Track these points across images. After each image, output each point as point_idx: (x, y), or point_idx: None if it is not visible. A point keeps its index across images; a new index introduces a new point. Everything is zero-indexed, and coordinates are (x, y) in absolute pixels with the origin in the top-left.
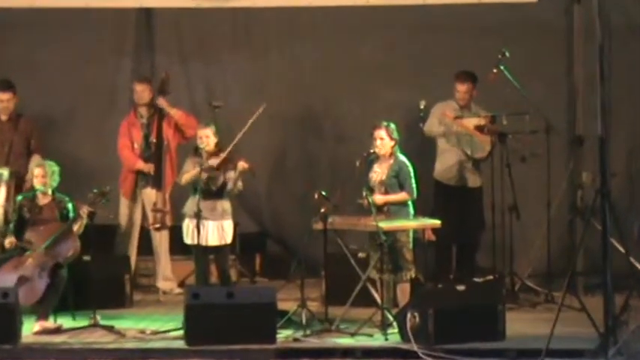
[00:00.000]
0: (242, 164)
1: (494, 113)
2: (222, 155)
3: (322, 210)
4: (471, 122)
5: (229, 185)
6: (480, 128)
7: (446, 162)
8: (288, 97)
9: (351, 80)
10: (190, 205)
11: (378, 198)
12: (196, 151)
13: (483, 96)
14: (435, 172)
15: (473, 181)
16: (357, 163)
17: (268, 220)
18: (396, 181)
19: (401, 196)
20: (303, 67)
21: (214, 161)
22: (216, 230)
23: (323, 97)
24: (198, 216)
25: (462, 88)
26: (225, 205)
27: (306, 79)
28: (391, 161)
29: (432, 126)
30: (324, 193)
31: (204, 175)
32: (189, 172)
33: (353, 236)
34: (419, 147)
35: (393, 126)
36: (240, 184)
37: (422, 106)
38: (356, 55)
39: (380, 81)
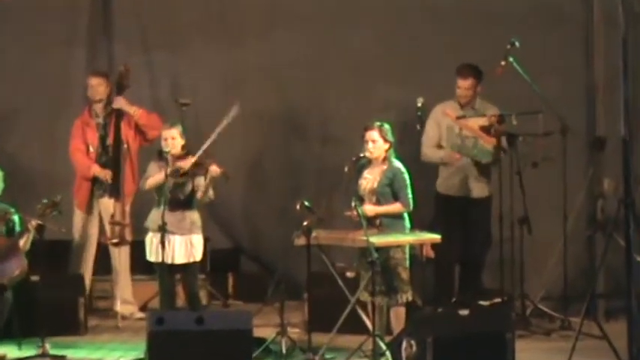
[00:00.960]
0: (214, 169)
1: (503, 112)
2: (192, 159)
3: (305, 223)
4: (476, 122)
5: (199, 193)
6: (485, 129)
7: (447, 169)
8: (268, 94)
9: (340, 75)
10: (154, 217)
11: (369, 209)
12: (160, 155)
13: (490, 93)
14: (438, 181)
15: (478, 190)
16: (346, 169)
17: (243, 234)
18: (390, 190)
19: (395, 207)
20: (285, 60)
21: (183, 163)
22: (184, 246)
23: (307, 93)
24: (162, 229)
25: (463, 84)
26: (194, 216)
27: (287, 73)
28: (384, 167)
29: (429, 149)
30: (307, 203)
31: (170, 182)
32: (154, 176)
33: (340, 253)
34: (416, 151)
35: (387, 127)
36: (211, 192)
37: (419, 104)
38: (345, 46)
39: (372, 75)
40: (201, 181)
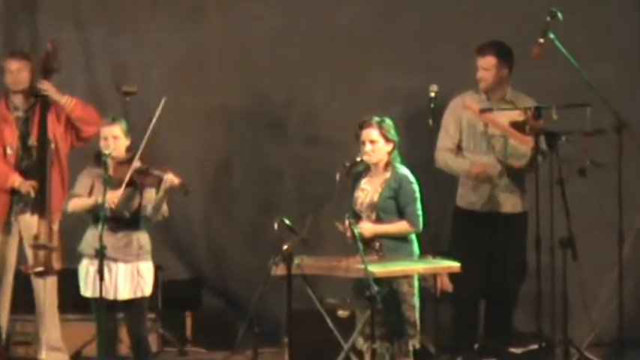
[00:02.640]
0: (170, 178)
1: (540, 104)
2: (135, 166)
3: (285, 247)
4: (506, 117)
5: (148, 210)
6: (518, 126)
7: (469, 181)
8: (234, 83)
9: (327, 58)
10: (90, 239)
11: (368, 228)
12: (98, 159)
13: (524, 80)
14: (458, 192)
15: (510, 204)
16: (337, 178)
17: (206, 261)
18: (394, 204)
19: (400, 226)
20: (257, 39)
21: (114, 194)
22: (129, 277)
23: (286, 81)
24: (101, 256)
25: (482, 63)
26: (143, 239)
27: (260, 55)
28: (387, 174)
29: (445, 154)
30: (287, 221)
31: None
32: (81, 196)
33: (330, 285)
34: (428, 153)
35: (389, 123)
36: (165, 208)
37: (432, 94)
38: (334, 21)
39: (369, 58)
40: (151, 194)
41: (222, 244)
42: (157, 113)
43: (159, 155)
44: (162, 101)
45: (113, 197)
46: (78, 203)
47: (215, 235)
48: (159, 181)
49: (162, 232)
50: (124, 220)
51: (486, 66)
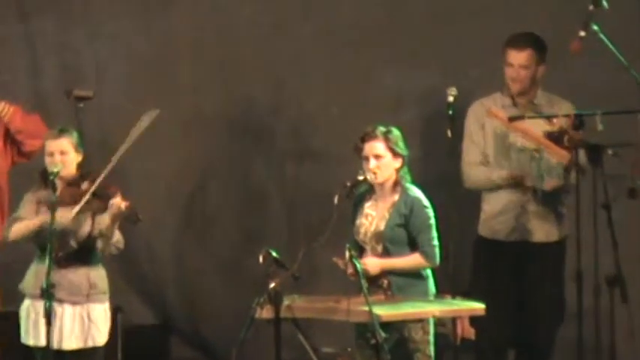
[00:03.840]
0: (116, 203)
1: (581, 111)
2: (85, 188)
3: (272, 284)
4: (539, 127)
5: (99, 242)
6: (554, 137)
7: (495, 201)
8: (212, 85)
9: (323, 55)
10: (34, 275)
11: (373, 263)
12: (45, 178)
13: (559, 81)
14: (481, 219)
15: (543, 232)
16: (335, 200)
17: (176, 302)
18: (404, 234)
19: (412, 259)
20: (238, 31)
21: (66, 213)
22: (77, 322)
23: (273, 84)
24: (47, 296)
25: (517, 58)
26: (95, 276)
27: (243, 50)
28: (395, 197)
29: (476, 169)
30: (274, 253)
31: (58, 224)
32: (24, 220)
33: (327, 331)
34: (445, 171)
35: (396, 134)
36: (118, 237)
37: (451, 98)
38: (331, 11)
39: (373, 56)
40: (104, 222)
41: (196, 282)
42: (141, 126)
43: (116, 173)
44: (150, 114)
45: (66, 215)
46: (21, 228)
47: (187, 270)
48: (104, 206)
49: (122, 267)
50: (72, 253)
51: (524, 62)
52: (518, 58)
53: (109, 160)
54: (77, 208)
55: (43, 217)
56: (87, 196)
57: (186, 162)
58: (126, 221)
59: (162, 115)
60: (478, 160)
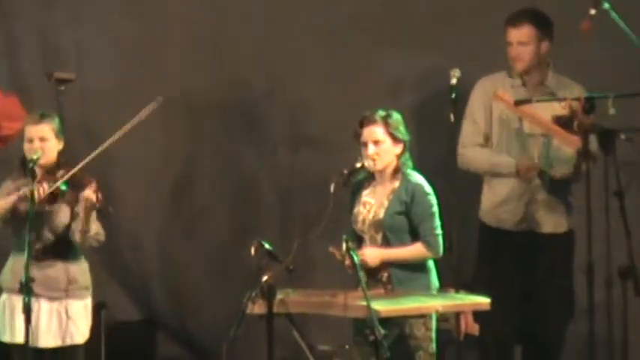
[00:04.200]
0: (86, 195)
1: (592, 94)
2: (60, 177)
3: (265, 277)
4: (548, 110)
5: (76, 232)
6: (564, 122)
7: (500, 188)
8: (201, 68)
9: (319, 36)
10: (12, 269)
11: (372, 254)
12: (24, 166)
13: (569, 63)
14: (482, 207)
15: (551, 222)
16: (332, 189)
17: (162, 297)
18: (405, 222)
19: (414, 250)
20: (230, 13)
21: (40, 188)
22: (55, 319)
23: (265, 68)
24: (26, 291)
25: (515, 35)
26: (75, 271)
27: (235, 34)
28: (395, 184)
29: (473, 150)
30: (267, 245)
31: (28, 206)
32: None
33: (323, 328)
34: (448, 157)
35: (397, 118)
36: (97, 230)
37: (454, 81)
38: None
39: (372, 38)
40: (80, 212)
41: (184, 275)
42: (144, 113)
43: (100, 161)
44: (155, 102)
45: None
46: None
47: (174, 263)
48: (76, 198)
49: (105, 260)
50: (50, 245)
51: (523, 39)
52: (516, 35)
53: (92, 148)
54: (43, 195)
55: (21, 193)
56: (56, 185)
57: (175, 149)
58: (98, 214)
59: (150, 101)
60: (477, 143)
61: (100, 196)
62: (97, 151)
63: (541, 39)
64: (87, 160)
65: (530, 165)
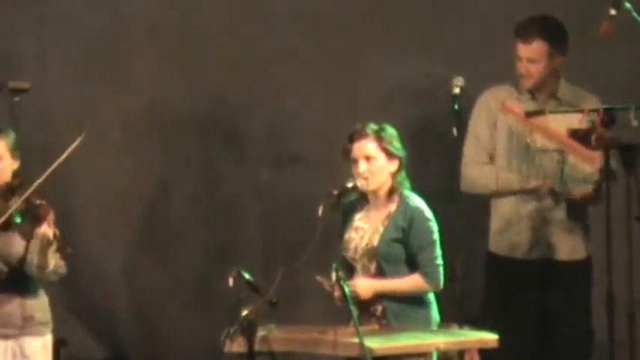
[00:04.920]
0: (42, 232)
1: (611, 104)
2: (12, 203)
3: (245, 312)
4: (562, 124)
5: (32, 268)
6: (580, 136)
7: (509, 207)
8: (173, 76)
9: (306, 41)
10: None
11: (364, 285)
12: None
13: (586, 72)
14: (490, 233)
15: (567, 248)
16: (320, 212)
17: (129, 333)
18: (402, 250)
19: (412, 281)
20: (206, 14)
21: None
22: (11, 358)
23: (248, 75)
24: None
25: (531, 52)
26: (33, 306)
27: (211, 37)
28: (391, 207)
29: (478, 169)
30: (246, 275)
31: None
32: None
33: None
34: (451, 177)
35: (391, 132)
36: (55, 262)
37: (457, 90)
38: None
39: (364, 42)
40: (35, 244)
41: (155, 309)
42: (67, 152)
43: (59, 181)
44: (78, 140)
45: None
46: None
47: (144, 295)
48: (31, 229)
49: (67, 293)
50: (4, 280)
51: (533, 56)
52: (525, 51)
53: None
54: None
55: None
56: (8, 213)
57: (144, 168)
58: (62, 251)
59: (116, 113)
60: (480, 160)
61: (57, 232)
62: (29, 190)
63: (553, 55)
64: (25, 195)
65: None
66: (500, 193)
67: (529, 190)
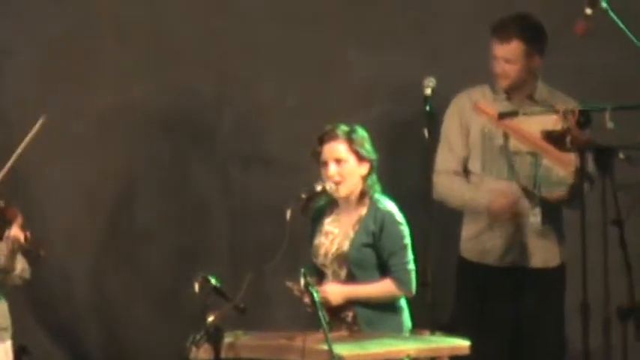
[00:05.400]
0: (13, 236)
1: (587, 105)
2: None
3: (210, 318)
4: (537, 125)
5: None
6: (555, 138)
7: (482, 216)
8: (139, 72)
9: (278, 37)
10: None
11: (334, 291)
12: None
13: (559, 68)
14: (462, 238)
15: (541, 255)
16: (288, 216)
17: (94, 339)
18: (373, 255)
19: (383, 287)
20: (173, 7)
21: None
22: None
23: (216, 71)
24: None
25: (502, 51)
26: None
27: (177, 31)
28: (362, 211)
29: (448, 178)
30: (213, 280)
31: None
32: None
33: None
34: (422, 180)
35: (361, 134)
36: (21, 266)
37: (428, 91)
38: None
39: (337, 39)
40: (1, 250)
41: (120, 314)
42: (29, 137)
43: (20, 182)
44: (39, 122)
45: None
46: None
47: (109, 299)
48: (1, 234)
49: (29, 297)
50: None
51: (510, 56)
52: (502, 51)
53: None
54: None
55: None
56: None
57: (109, 167)
58: (31, 255)
59: (81, 110)
60: (452, 170)
61: (28, 235)
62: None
63: (531, 55)
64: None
65: (505, 205)
66: (465, 209)
67: (493, 211)
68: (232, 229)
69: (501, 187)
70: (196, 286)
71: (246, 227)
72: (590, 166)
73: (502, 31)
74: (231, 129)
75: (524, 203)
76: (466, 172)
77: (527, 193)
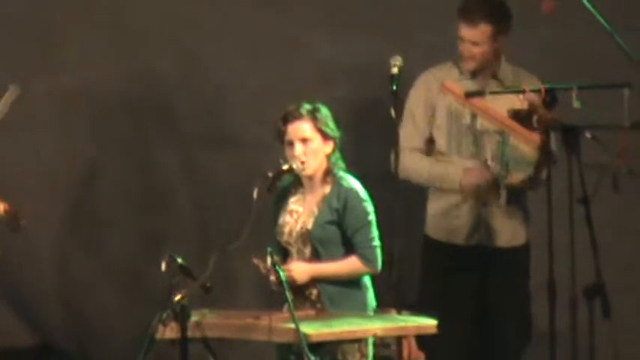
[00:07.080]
0: None
1: (553, 84)
2: None
3: (177, 296)
4: (503, 105)
5: None
6: (522, 117)
7: (448, 195)
8: (101, 52)
9: (241, 15)
10: None
11: (300, 269)
12: None
13: (525, 47)
14: (428, 216)
15: (507, 234)
16: (255, 195)
17: (58, 319)
18: (338, 233)
19: (348, 264)
20: None
21: None
22: None
23: (179, 50)
24: None
25: (469, 34)
26: None
27: (140, 12)
28: (326, 189)
29: (413, 156)
30: (179, 259)
31: None
32: None
33: (244, 354)
34: (387, 159)
35: (325, 112)
36: None
37: (395, 70)
38: None
39: (303, 18)
40: None
41: (85, 294)
42: (4, 104)
43: None
44: (10, 92)
45: None
46: None
47: (73, 280)
48: None
49: None
50: None
51: (477, 39)
52: (469, 33)
53: None
54: None
55: None
56: None
57: (73, 149)
58: (5, 227)
59: (44, 92)
60: (414, 147)
61: (7, 207)
62: None
63: (497, 36)
64: None
65: (478, 180)
66: (432, 186)
67: (455, 189)
68: (197, 211)
69: (470, 165)
70: (163, 265)
71: (210, 209)
72: (555, 145)
73: (469, 13)
74: (194, 110)
75: (493, 189)
76: (432, 150)
77: (496, 178)
